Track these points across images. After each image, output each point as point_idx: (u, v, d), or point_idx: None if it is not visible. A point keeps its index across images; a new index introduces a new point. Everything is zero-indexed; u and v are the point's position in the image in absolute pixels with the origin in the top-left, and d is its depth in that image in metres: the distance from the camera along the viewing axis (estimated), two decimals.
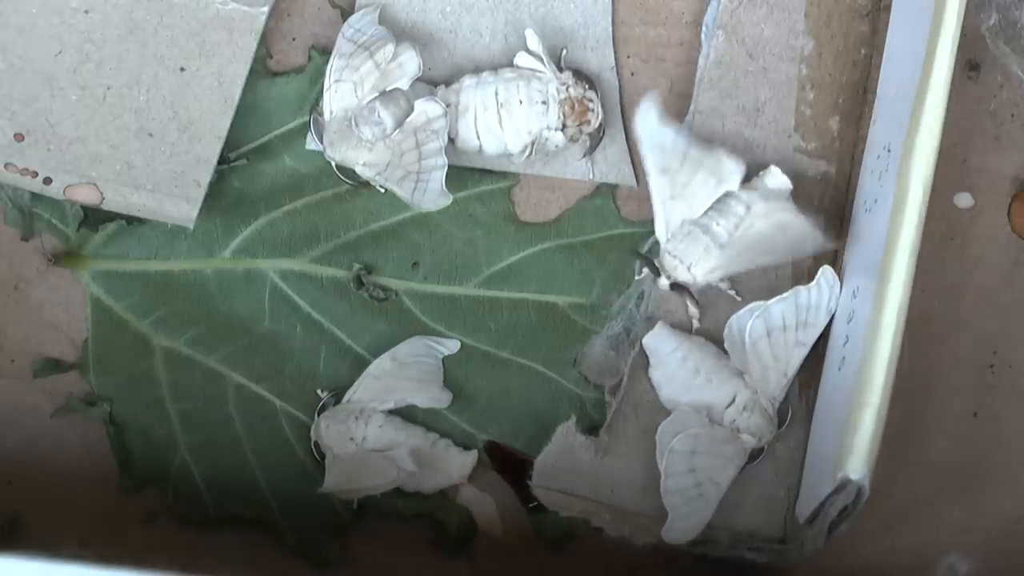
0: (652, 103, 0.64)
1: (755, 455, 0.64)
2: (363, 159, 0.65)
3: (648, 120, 0.64)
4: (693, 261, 0.64)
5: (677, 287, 0.64)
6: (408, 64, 0.65)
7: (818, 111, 0.68)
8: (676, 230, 0.64)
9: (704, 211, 0.64)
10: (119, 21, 0.67)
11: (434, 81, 0.67)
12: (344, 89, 0.65)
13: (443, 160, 0.65)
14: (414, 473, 0.65)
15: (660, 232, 0.64)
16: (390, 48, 0.65)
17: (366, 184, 0.66)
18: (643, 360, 0.66)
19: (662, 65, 0.69)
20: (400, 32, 0.67)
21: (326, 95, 0.66)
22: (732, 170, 0.64)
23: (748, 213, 0.63)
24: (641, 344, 0.65)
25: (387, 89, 0.65)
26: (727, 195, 0.64)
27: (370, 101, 0.65)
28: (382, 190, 0.66)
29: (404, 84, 0.65)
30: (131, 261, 0.67)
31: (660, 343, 0.65)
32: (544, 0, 0.68)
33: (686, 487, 0.63)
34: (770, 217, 0.63)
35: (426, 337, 0.67)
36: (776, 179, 0.65)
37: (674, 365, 0.65)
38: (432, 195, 0.65)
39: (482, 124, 0.66)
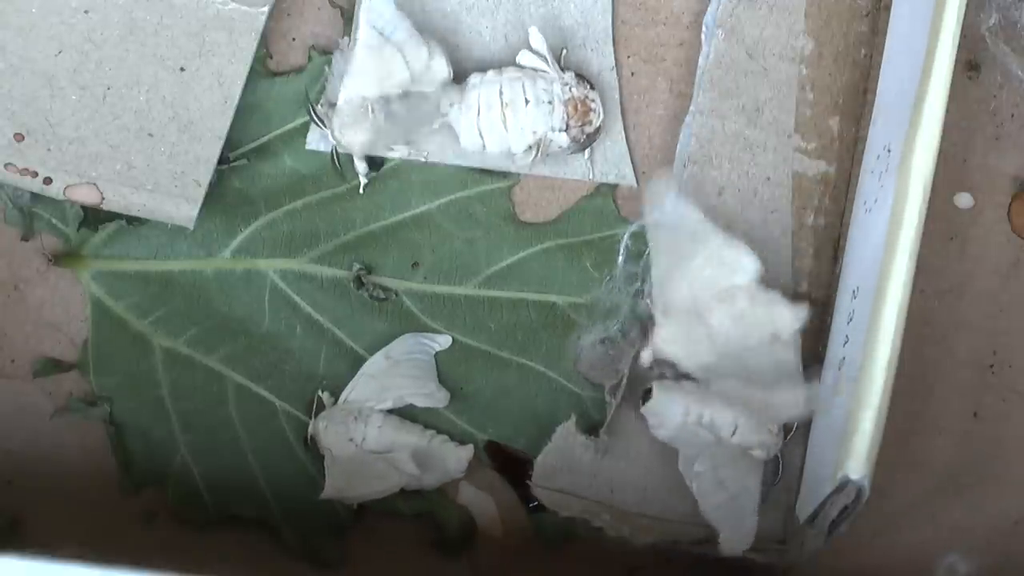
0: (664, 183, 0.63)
1: (774, 469, 0.64)
2: (369, 141, 0.65)
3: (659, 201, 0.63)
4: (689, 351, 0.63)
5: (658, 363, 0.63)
6: (439, 71, 0.65)
7: (818, 111, 0.68)
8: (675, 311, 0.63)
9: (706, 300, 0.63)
10: (119, 21, 0.67)
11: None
12: (367, 81, 0.65)
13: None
14: (415, 475, 0.65)
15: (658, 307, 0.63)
16: (424, 52, 0.65)
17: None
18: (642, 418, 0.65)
19: (662, 65, 0.69)
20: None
21: (345, 79, 0.65)
22: (746, 265, 0.63)
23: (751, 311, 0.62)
24: (640, 342, 0.65)
25: (412, 92, 0.65)
26: (735, 288, 0.63)
27: (395, 100, 0.65)
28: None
29: (430, 88, 0.65)
30: (131, 261, 0.67)
31: (658, 410, 0.64)
32: (544, 0, 0.68)
33: (722, 502, 0.63)
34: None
35: (418, 334, 0.67)
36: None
37: (677, 424, 0.64)
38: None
39: (485, 123, 0.66)
